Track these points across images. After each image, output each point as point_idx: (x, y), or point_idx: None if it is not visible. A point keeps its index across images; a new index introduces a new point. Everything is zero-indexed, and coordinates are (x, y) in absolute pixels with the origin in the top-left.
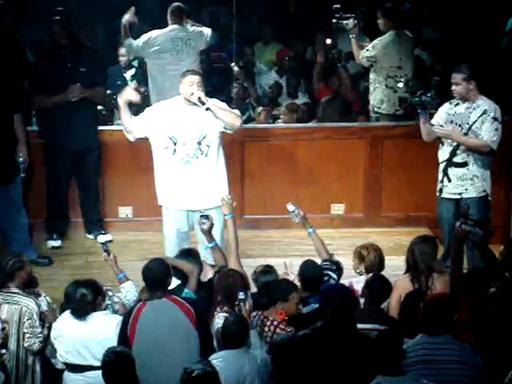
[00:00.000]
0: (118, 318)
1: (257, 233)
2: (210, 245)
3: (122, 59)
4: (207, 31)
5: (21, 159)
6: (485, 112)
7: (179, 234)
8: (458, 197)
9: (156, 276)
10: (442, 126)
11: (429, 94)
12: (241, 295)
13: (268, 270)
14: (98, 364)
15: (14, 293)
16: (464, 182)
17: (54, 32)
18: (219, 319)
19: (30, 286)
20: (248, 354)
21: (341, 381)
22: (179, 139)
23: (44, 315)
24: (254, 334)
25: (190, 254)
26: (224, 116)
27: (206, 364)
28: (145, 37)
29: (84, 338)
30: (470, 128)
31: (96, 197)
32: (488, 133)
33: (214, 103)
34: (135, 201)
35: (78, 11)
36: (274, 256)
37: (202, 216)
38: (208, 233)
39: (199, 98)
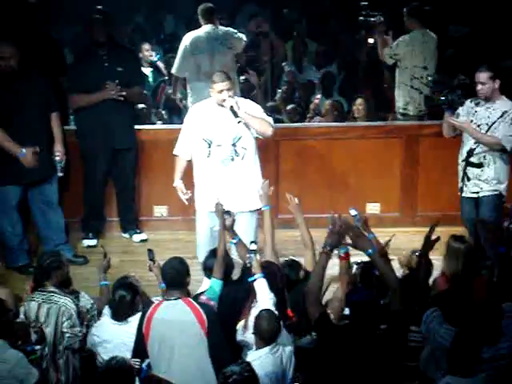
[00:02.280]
0: None
1: (291, 232)
2: (234, 241)
3: (147, 54)
4: (242, 36)
5: (57, 158)
6: (505, 113)
7: (212, 233)
8: (476, 196)
9: (173, 275)
10: None
11: (456, 93)
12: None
13: (291, 263)
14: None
15: (52, 292)
16: (479, 182)
17: (93, 30)
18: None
19: (64, 287)
20: (280, 346)
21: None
22: (214, 141)
23: (83, 313)
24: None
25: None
26: (256, 125)
27: (243, 367)
28: (181, 52)
29: (128, 342)
30: (489, 129)
31: (132, 196)
32: (504, 131)
33: (247, 111)
34: (170, 200)
35: (112, 11)
36: None
37: (224, 212)
38: (231, 229)
39: (231, 107)
